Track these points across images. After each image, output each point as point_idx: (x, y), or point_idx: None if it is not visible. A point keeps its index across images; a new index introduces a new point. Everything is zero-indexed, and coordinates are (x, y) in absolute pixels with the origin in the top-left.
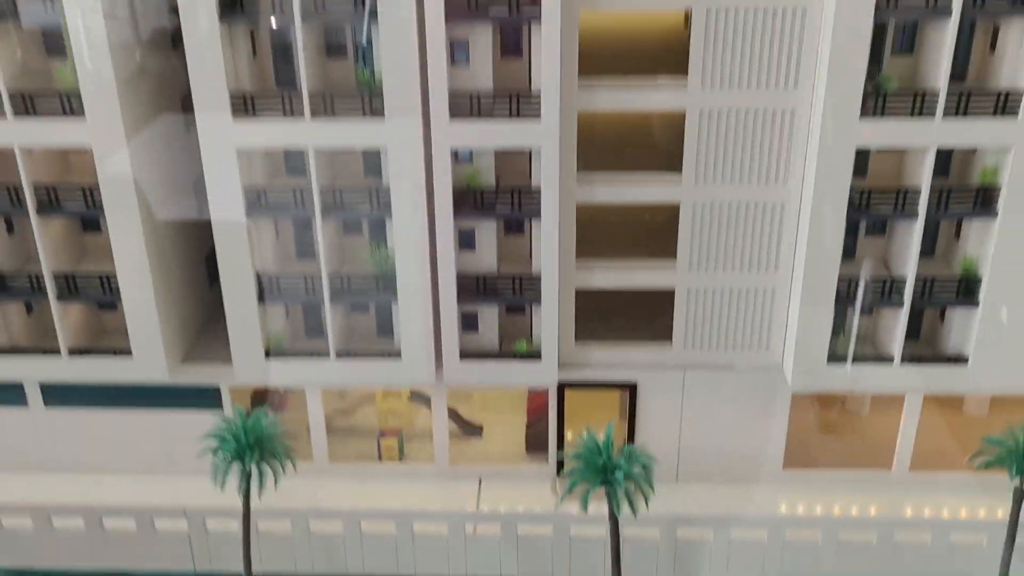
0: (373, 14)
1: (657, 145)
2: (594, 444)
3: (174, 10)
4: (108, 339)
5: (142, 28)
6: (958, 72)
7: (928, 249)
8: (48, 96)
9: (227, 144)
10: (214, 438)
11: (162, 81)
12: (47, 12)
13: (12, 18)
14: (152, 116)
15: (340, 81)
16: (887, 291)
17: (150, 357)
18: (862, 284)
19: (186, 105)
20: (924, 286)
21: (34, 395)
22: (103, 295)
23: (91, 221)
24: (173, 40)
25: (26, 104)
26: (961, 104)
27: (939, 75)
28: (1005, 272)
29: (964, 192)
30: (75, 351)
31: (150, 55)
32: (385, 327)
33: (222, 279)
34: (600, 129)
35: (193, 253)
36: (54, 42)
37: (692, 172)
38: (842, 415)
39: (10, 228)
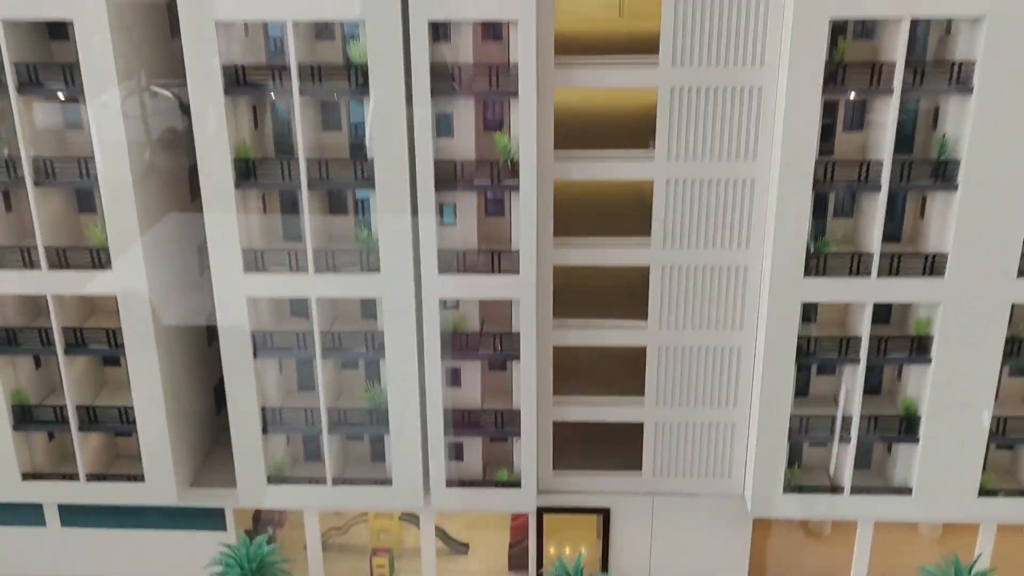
0: (371, 181)
1: (628, 291)
2: (564, 573)
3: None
4: (121, 464)
5: (166, 189)
6: (893, 234)
7: (874, 388)
8: (79, 250)
9: (238, 294)
10: (219, 564)
11: (183, 230)
12: (82, 178)
13: (52, 181)
14: (176, 259)
15: (341, 238)
16: (837, 427)
17: (161, 482)
18: (838, 416)
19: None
20: (870, 423)
21: (52, 516)
22: (120, 425)
23: (112, 358)
24: (192, 195)
25: (60, 258)
26: (894, 265)
27: (874, 239)
28: (941, 412)
29: (901, 340)
30: (92, 476)
31: (174, 210)
32: (378, 454)
33: (230, 414)
34: (574, 276)
35: (202, 383)
36: (86, 201)
37: (657, 315)
38: (805, 536)
39: (38, 364)
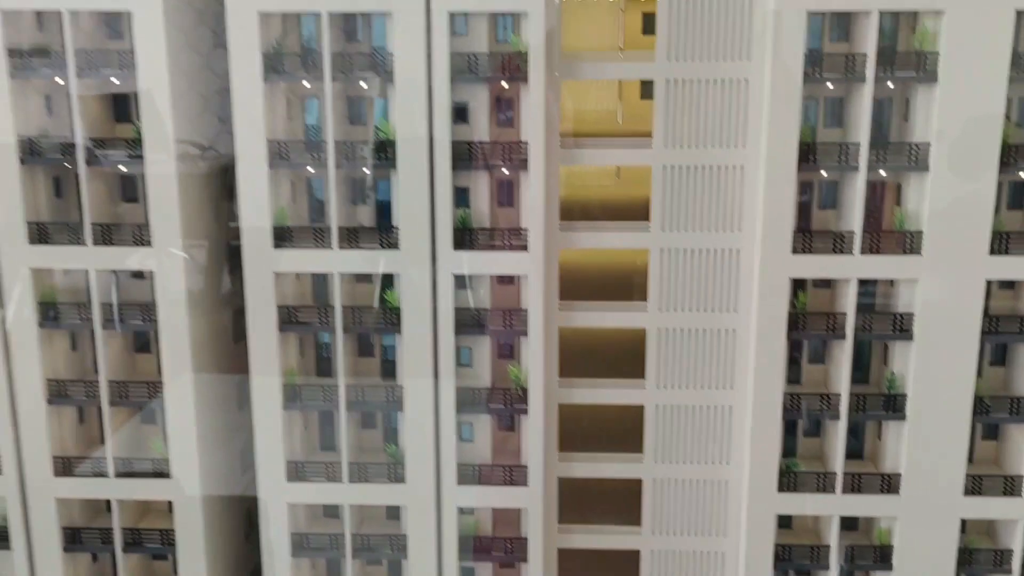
0: (399, 403)
1: (627, 497)
2: None
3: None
4: None
5: (220, 405)
6: (855, 453)
7: None
8: (142, 461)
9: (281, 501)
10: None
11: (231, 436)
12: (149, 398)
13: (124, 401)
14: (223, 464)
15: (372, 451)
16: None
17: None
18: None
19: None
20: None
21: None
22: None
23: (161, 554)
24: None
25: (125, 466)
26: (855, 483)
27: (836, 460)
28: None
29: (866, 549)
30: None
31: (225, 418)
32: None
33: None
34: (578, 483)
35: (241, 571)
36: (149, 415)
37: (649, 523)
38: None
39: (95, 559)
